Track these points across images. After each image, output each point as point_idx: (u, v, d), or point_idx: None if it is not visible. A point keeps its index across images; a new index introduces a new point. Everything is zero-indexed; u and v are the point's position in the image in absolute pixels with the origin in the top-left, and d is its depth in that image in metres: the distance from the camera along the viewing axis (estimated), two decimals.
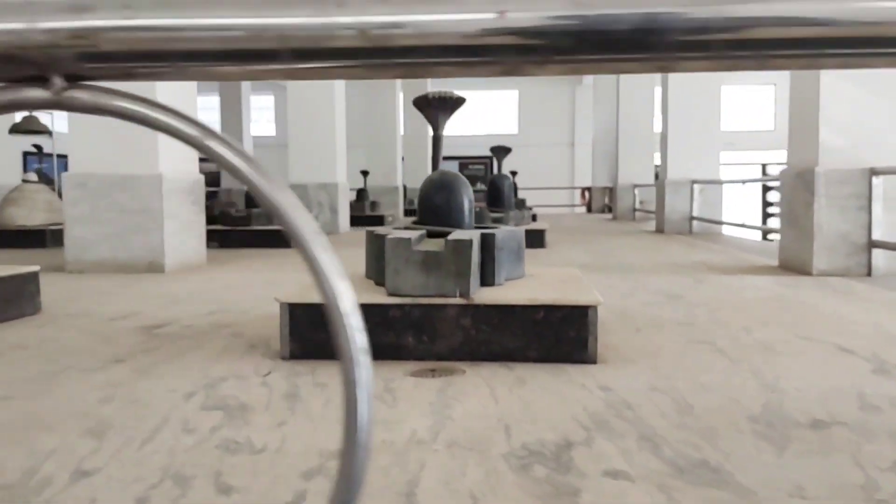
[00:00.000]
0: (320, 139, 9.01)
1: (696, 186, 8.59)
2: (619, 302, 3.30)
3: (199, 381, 1.98)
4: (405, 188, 14.62)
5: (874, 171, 4.20)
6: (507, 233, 2.50)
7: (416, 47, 0.38)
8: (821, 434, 1.51)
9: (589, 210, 17.76)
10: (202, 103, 9.71)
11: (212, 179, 11.10)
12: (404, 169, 14.54)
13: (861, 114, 4.36)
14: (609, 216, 14.53)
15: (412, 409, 1.72)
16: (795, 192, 4.54)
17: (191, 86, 5.08)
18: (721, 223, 8.36)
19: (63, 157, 16.75)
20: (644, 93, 12.88)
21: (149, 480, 1.29)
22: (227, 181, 15.89)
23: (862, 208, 4.26)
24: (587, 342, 2.14)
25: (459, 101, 2.74)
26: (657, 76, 13.17)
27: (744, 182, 8.68)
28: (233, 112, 15.78)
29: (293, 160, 9.13)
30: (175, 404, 1.77)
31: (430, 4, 0.37)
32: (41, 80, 0.41)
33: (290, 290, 2.36)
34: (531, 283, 2.44)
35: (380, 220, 11.09)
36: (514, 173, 14.31)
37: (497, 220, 6.67)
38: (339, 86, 9.21)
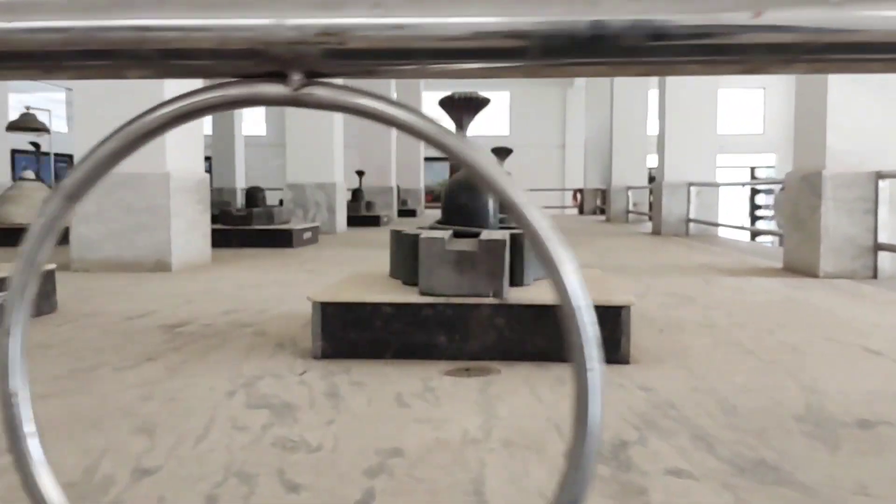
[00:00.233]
0: (318, 139, 8.99)
1: (692, 189, 8.64)
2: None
3: (235, 380, 1.97)
4: (399, 189, 14.62)
5: (880, 175, 4.25)
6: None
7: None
8: (870, 433, 1.52)
9: (581, 212, 17.82)
10: None
11: None
12: (396, 170, 14.53)
13: (867, 118, 4.40)
14: (602, 218, 14.59)
15: (457, 407, 1.72)
16: (801, 195, 4.58)
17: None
18: (718, 225, 8.42)
19: (60, 157, 16.65)
20: (638, 96, 12.95)
21: (213, 478, 1.29)
22: (217, 181, 15.81)
23: (868, 211, 4.31)
24: (620, 343, 2.15)
25: (484, 102, 2.74)
26: (653, 80, 13.25)
27: (743, 185, 8.77)
28: (224, 112, 15.68)
29: (291, 160, 9.10)
30: (218, 402, 1.76)
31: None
32: (279, 76, 0.41)
33: (321, 289, 2.36)
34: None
35: (376, 221, 11.08)
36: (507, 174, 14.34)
37: (499, 221, 6.67)
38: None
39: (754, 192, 21.70)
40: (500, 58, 0.41)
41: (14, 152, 12.05)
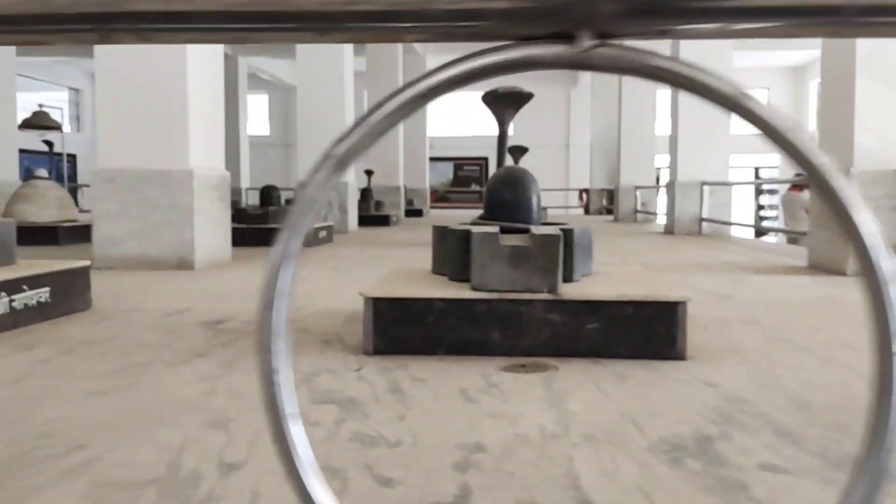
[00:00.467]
0: (330, 137, 8.93)
1: (705, 188, 8.63)
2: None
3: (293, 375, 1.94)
4: (405, 188, 14.60)
5: None
6: (582, 229, 2.49)
7: None
8: None
9: (587, 212, 17.81)
10: None
11: None
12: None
13: (894, 115, 4.39)
14: (609, 218, 14.56)
15: (526, 403, 1.70)
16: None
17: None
18: (734, 224, 8.41)
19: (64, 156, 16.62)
20: (646, 95, 12.93)
21: None
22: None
23: (894, 209, 4.29)
24: (676, 339, 2.13)
25: (527, 97, 2.73)
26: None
27: (761, 184, 8.73)
28: (229, 111, 15.68)
29: (303, 158, 9.08)
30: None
31: None
32: (563, 38, 0.39)
33: (373, 284, 2.33)
34: (607, 280, 2.43)
35: (385, 220, 11.06)
36: None
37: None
38: (348, 83, 9.17)
39: (758, 192, 21.70)
40: (809, 15, 0.38)
41: (21, 152, 12.03)
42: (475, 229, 2.24)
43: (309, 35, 0.41)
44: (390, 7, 0.39)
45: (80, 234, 6.81)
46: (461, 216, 14.79)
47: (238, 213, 6.83)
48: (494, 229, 2.22)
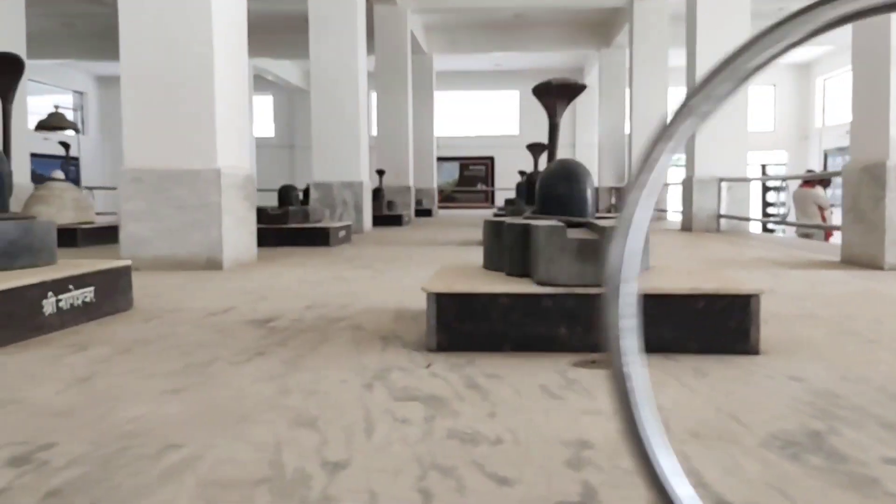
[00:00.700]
0: (345, 137, 8.93)
1: (723, 184, 8.58)
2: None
3: (362, 373, 1.90)
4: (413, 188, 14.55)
5: None
6: None
7: None
8: None
9: (596, 210, 17.74)
10: None
11: None
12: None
13: None
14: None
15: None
16: (861, 186, 4.51)
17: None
18: (752, 220, 8.37)
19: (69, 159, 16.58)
20: (658, 93, 12.89)
21: (411, 471, 1.22)
22: None
23: None
24: (749, 332, 2.08)
25: (580, 88, 2.69)
26: (670, 78, 13.20)
27: (785, 179, 8.69)
28: None
29: (317, 158, 9.05)
30: (360, 395, 1.70)
31: None
32: None
33: (435, 280, 2.29)
34: (669, 274, 2.39)
35: (398, 220, 11.03)
36: (522, 173, 14.30)
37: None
38: (361, 83, 9.13)
39: (766, 189, 21.65)
40: None
41: (31, 155, 11.97)
42: (539, 223, 2.20)
43: None
44: None
45: (99, 235, 6.77)
46: (472, 216, 14.79)
47: (258, 214, 6.78)
48: (560, 223, 2.18)
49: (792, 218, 11.51)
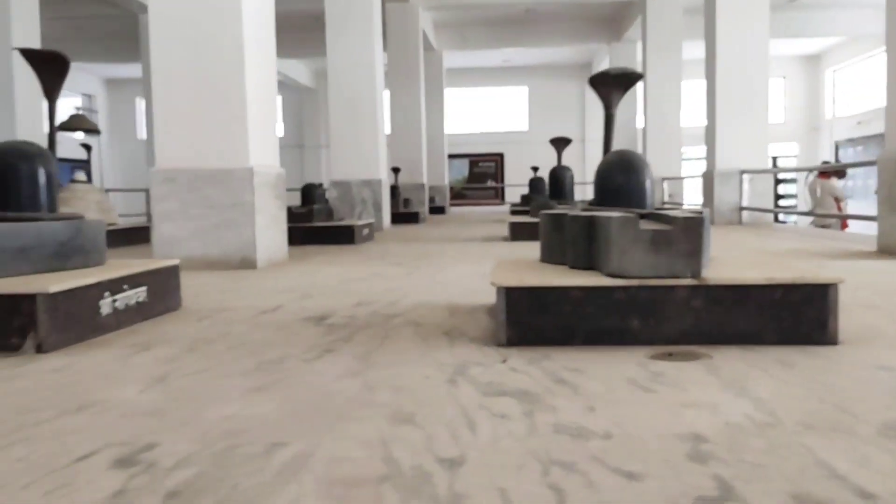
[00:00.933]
0: (363, 135, 8.90)
1: (745, 176, 8.53)
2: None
3: (442, 369, 1.88)
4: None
5: None
6: (706, 215, 2.41)
7: None
8: None
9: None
10: None
11: None
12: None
13: None
14: None
15: (707, 391, 1.63)
16: None
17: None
18: (779, 211, 8.32)
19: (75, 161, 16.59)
20: (672, 87, 12.82)
21: (533, 467, 1.20)
22: None
23: None
24: (827, 323, 2.05)
25: (637, 77, 2.65)
26: (683, 71, 13.13)
27: (810, 171, 8.63)
28: None
29: (336, 156, 9.03)
30: (448, 391, 1.67)
31: None
32: None
33: (502, 274, 2.26)
34: (734, 265, 2.35)
35: (415, 217, 11.00)
36: (535, 169, 14.26)
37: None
38: (378, 80, 9.10)
39: (777, 181, 21.56)
40: None
41: None
42: (609, 214, 2.17)
43: None
44: None
45: (124, 237, 6.77)
46: (484, 213, 14.75)
47: None
48: (632, 214, 2.15)
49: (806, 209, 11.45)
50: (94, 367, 2.00)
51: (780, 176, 21.21)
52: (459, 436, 1.36)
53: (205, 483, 1.16)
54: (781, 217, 12.88)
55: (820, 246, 5.43)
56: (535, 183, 12.91)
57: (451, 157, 21.15)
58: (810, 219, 10.43)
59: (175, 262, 2.99)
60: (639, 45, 16.58)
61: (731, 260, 2.50)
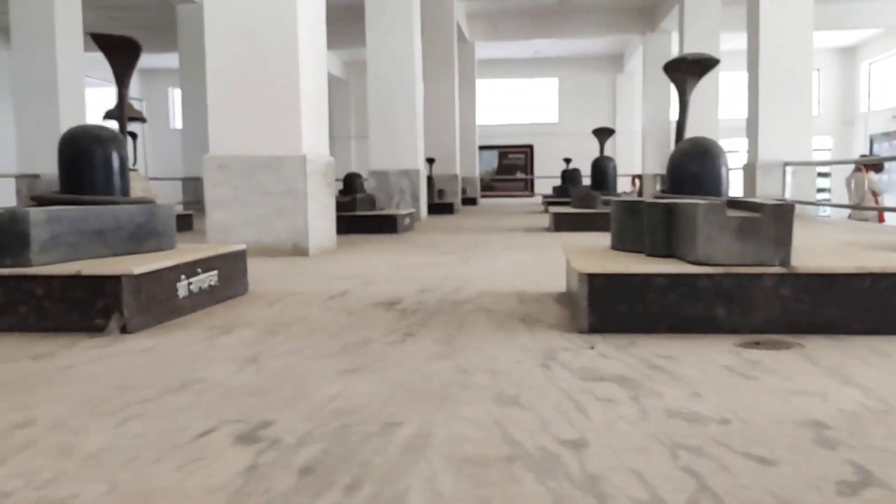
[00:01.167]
0: (401, 125, 8.90)
1: (788, 168, 8.41)
2: None
3: (530, 354, 1.87)
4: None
5: None
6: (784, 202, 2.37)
7: None
8: None
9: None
10: None
11: None
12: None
13: None
14: None
15: (811, 380, 1.60)
16: None
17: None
18: (826, 205, 8.20)
19: None
20: (709, 78, 12.62)
21: (659, 450, 1.19)
22: None
23: None
24: None
25: (713, 63, 2.61)
26: (725, 61, 12.95)
27: (855, 164, 8.49)
28: None
29: (374, 146, 9.03)
30: (544, 375, 1.66)
31: None
32: None
33: (581, 260, 2.25)
34: (816, 253, 2.32)
35: (449, 208, 11.00)
36: (567, 160, 14.17)
37: (608, 203, 6.53)
38: (417, 70, 9.09)
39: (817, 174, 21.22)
40: None
41: None
42: (694, 201, 2.15)
43: None
44: None
45: (191, 224, 6.84)
46: (516, 204, 14.69)
47: None
48: (718, 201, 2.12)
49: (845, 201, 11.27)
50: (182, 348, 2.02)
51: (818, 169, 20.89)
52: (572, 419, 1.36)
53: (333, 460, 1.17)
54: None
55: (871, 238, 5.33)
56: (567, 174, 12.84)
57: (481, 148, 21.07)
58: (846, 212, 10.29)
59: (242, 247, 3.01)
60: (674, 36, 16.39)
61: (810, 249, 2.47)
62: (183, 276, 2.51)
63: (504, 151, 23.77)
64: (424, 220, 9.11)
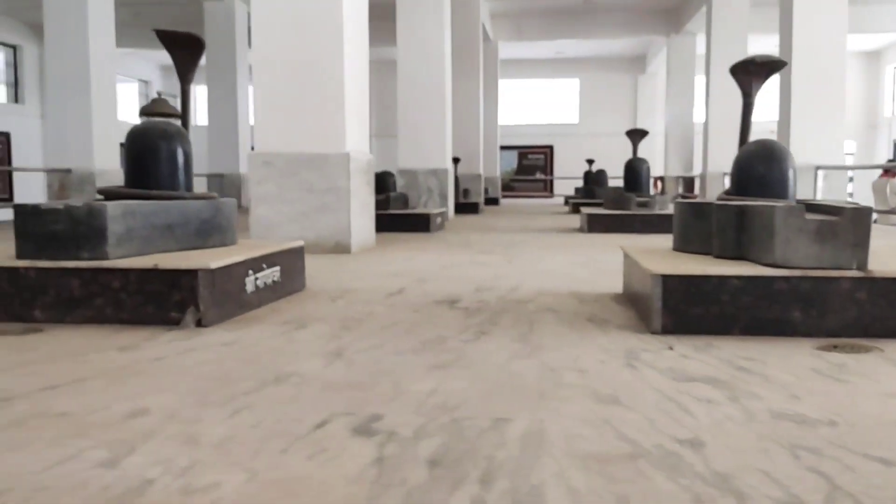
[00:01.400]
0: (430, 124, 8.92)
1: (819, 172, 8.36)
2: None
3: (610, 353, 1.88)
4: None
5: None
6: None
7: None
8: None
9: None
10: None
11: None
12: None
13: None
14: None
15: None
16: None
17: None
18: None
19: None
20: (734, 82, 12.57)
21: (778, 451, 1.19)
22: None
23: None
24: None
25: (780, 64, 2.61)
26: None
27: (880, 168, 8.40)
28: None
29: (403, 145, 9.06)
30: (633, 375, 1.67)
31: None
32: None
33: (657, 262, 2.25)
34: (884, 257, 2.31)
35: (474, 208, 11.01)
36: (590, 161, 14.14)
37: (643, 205, 6.53)
38: (447, 69, 9.10)
39: None
40: None
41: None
42: (770, 204, 2.15)
43: None
44: None
45: None
46: (538, 205, 14.66)
47: None
48: (796, 204, 2.12)
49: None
50: (262, 342, 2.04)
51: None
52: (678, 418, 1.37)
53: (456, 454, 1.18)
54: None
55: None
56: (594, 175, 12.81)
57: (501, 148, 21.08)
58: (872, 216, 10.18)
59: (300, 243, 3.04)
60: (698, 38, 16.32)
61: (880, 252, 2.46)
62: (250, 272, 2.54)
63: (524, 152, 23.75)
64: (452, 219, 9.12)
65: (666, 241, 2.88)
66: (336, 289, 3.06)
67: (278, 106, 4.63)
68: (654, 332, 2.12)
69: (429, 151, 8.95)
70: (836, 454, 1.18)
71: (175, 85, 16.45)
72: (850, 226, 2.03)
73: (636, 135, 7.32)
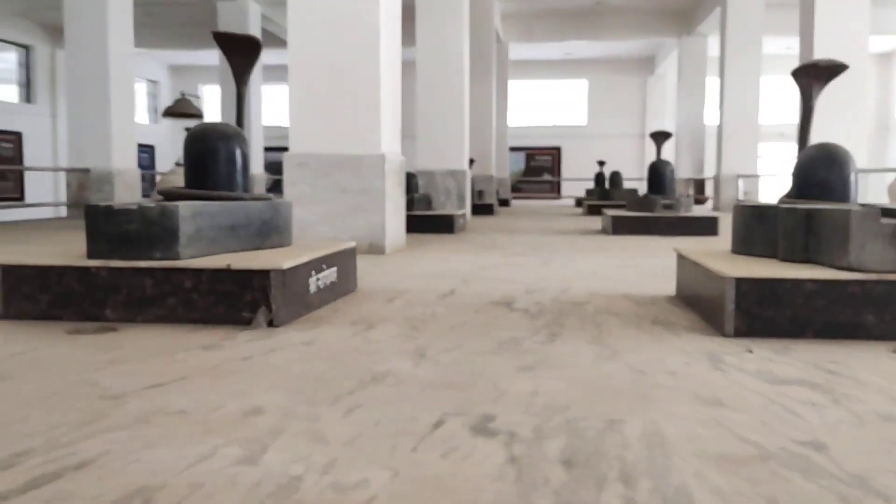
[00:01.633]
0: (449, 125, 8.93)
1: None
2: None
3: (693, 356, 1.89)
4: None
5: None
6: None
7: None
8: None
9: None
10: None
11: None
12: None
13: None
14: (705, 208, 14.27)
15: None
16: None
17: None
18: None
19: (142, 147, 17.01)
20: (750, 82, 12.62)
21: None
22: None
23: None
24: None
25: (841, 68, 2.62)
26: (765, 65, 12.90)
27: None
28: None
29: (421, 146, 9.07)
30: (723, 377, 1.68)
31: None
32: None
33: (727, 265, 2.26)
34: None
35: (489, 209, 11.03)
36: (601, 163, 14.15)
37: (668, 207, 6.55)
38: (466, 70, 9.12)
39: None
40: None
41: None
42: (846, 208, 2.16)
43: None
44: None
45: None
46: (548, 206, 14.67)
47: None
48: (872, 208, 2.13)
49: None
50: (339, 342, 2.06)
51: None
52: (789, 420, 1.38)
53: (585, 454, 1.19)
54: None
55: None
56: (610, 177, 12.81)
57: (510, 149, 21.12)
58: None
59: (352, 244, 3.05)
60: (710, 40, 16.35)
61: None
62: (313, 272, 2.55)
63: (531, 153, 23.77)
64: (470, 220, 9.14)
65: (696, 242, 2.89)
66: (387, 289, 3.07)
67: (313, 107, 4.64)
68: (726, 335, 2.13)
69: (447, 152, 8.96)
70: None
71: (180, 85, 16.73)
72: None
73: (660, 137, 7.32)
